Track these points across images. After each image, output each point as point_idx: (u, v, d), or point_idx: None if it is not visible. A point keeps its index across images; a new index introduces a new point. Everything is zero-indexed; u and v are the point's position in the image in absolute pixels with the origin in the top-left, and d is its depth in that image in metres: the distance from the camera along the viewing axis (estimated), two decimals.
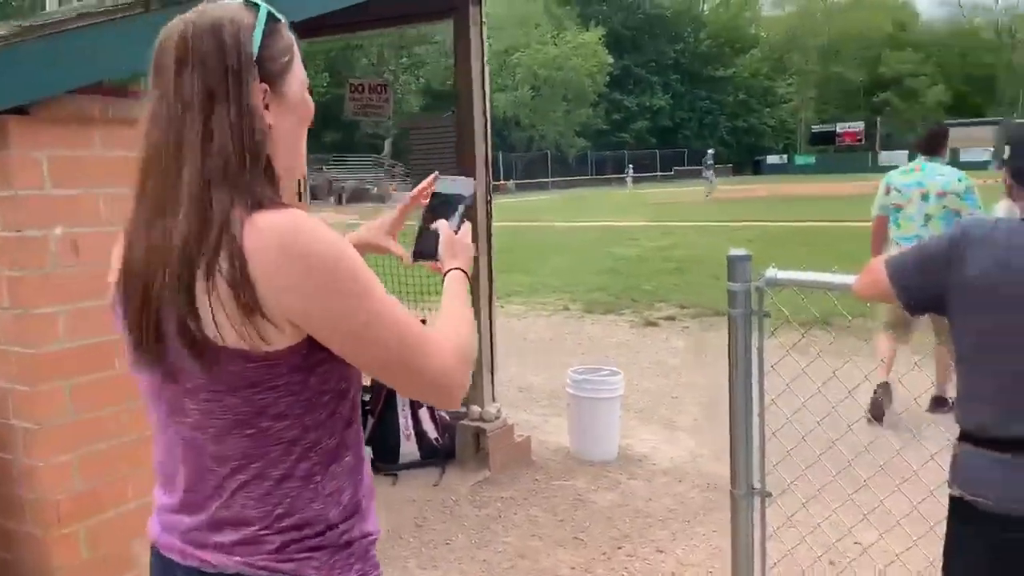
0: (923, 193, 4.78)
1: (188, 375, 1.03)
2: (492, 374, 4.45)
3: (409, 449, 4.42)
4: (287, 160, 1.12)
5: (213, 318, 0.98)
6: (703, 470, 4.29)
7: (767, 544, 2.37)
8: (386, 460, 4.35)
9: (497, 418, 4.37)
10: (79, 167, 2.43)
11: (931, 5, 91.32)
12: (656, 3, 75.90)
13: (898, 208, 4.87)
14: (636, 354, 6.95)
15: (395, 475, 4.28)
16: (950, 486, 1.77)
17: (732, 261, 2.28)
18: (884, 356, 4.89)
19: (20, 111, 2.27)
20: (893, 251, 4.95)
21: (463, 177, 1.39)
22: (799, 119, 80.00)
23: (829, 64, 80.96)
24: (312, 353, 1.03)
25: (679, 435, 4.91)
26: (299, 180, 1.99)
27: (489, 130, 4.34)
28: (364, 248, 1.41)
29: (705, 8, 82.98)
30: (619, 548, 3.49)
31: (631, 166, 53.16)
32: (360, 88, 5.23)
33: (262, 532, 1.06)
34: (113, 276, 1.11)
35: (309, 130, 1.19)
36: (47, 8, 4.31)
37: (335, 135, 39.27)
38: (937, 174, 4.81)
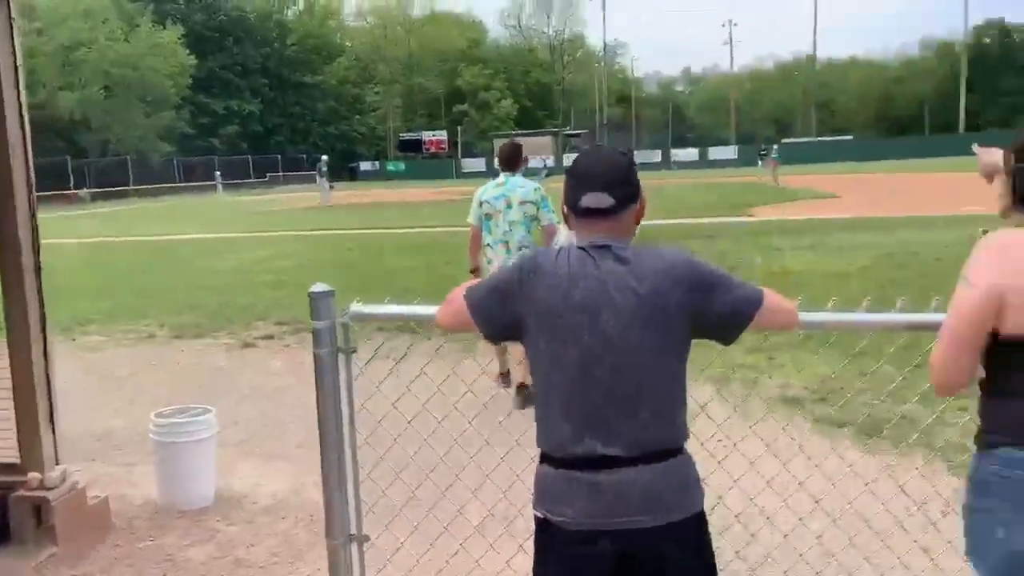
0: (507, 203, 5.52)
1: None
2: (54, 431, 3.75)
3: None
4: None
5: None
6: (307, 501, 4.09)
7: None
8: None
9: (63, 482, 3.71)
10: None
11: (497, 24, 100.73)
12: (237, 5, 73.33)
13: (489, 217, 5.58)
14: (233, 380, 6.50)
15: None
16: (534, 507, 1.79)
17: (315, 298, 2.11)
18: (518, 357, 5.36)
19: None
20: (488, 253, 5.66)
21: None
22: (388, 127, 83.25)
23: (412, 75, 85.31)
24: None
25: (281, 465, 4.65)
26: None
27: (28, 135, 3.65)
28: None
29: (289, 14, 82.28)
30: None
31: (219, 172, 50.71)
32: None
33: None
34: None
35: None
36: None
37: None
38: (518, 186, 5.57)
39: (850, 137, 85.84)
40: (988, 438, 1.72)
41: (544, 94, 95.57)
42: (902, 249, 10.97)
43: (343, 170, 76.87)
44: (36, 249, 3.66)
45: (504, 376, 5.89)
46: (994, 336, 1.67)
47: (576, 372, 1.72)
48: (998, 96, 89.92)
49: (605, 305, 1.70)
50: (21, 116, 3.61)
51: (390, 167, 75.18)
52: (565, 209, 1.88)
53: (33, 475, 3.65)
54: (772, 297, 1.83)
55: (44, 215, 4.01)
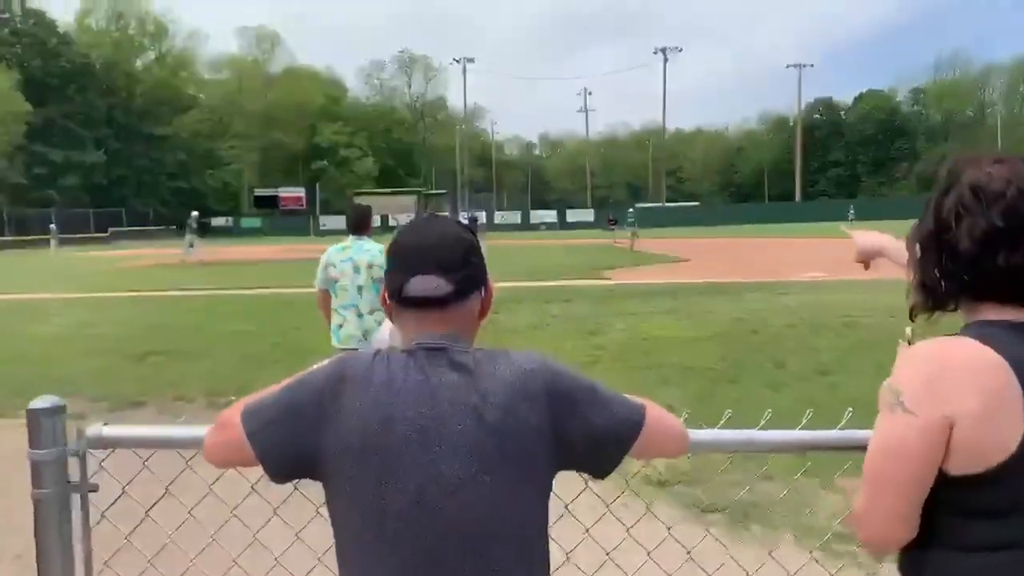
0: (354, 267, 5.39)
1: None
2: None
3: None
4: None
5: None
6: None
7: None
8: None
9: None
10: None
11: (358, 82, 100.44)
12: (81, 52, 69.68)
13: (335, 280, 5.42)
14: (11, 479, 5.54)
15: None
16: None
17: (36, 417, 1.52)
18: None
19: None
20: (336, 318, 5.41)
21: None
22: (243, 182, 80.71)
23: (269, 130, 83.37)
24: None
25: None
26: None
27: None
28: None
29: (139, 63, 78.97)
30: None
31: (53, 226, 47.28)
32: None
33: None
34: None
35: None
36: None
37: None
38: (364, 250, 5.43)
39: (697, 204, 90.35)
40: None
41: (406, 153, 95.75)
42: (753, 315, 11.13)
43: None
44: None
45: None
46: (940, 475, 1.30)
47: (397, 531, 1.24)
48: (828, 167, 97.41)
49: (437, 434, 1.25)
50: None
51: (245, 223, 72.68)
52: (387, 298, 1.42)
53: None
54: (656, 416, 1.41)
55: None
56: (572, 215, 72.08)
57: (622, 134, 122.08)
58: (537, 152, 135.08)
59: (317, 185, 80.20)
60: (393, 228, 66.70)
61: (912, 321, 1.50)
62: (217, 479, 1.59)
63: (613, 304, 12.98)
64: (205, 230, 72.81)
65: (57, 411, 1.53)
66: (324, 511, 1.33)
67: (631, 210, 38.97)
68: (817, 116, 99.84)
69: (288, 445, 1.30)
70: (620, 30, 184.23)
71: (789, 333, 9.53)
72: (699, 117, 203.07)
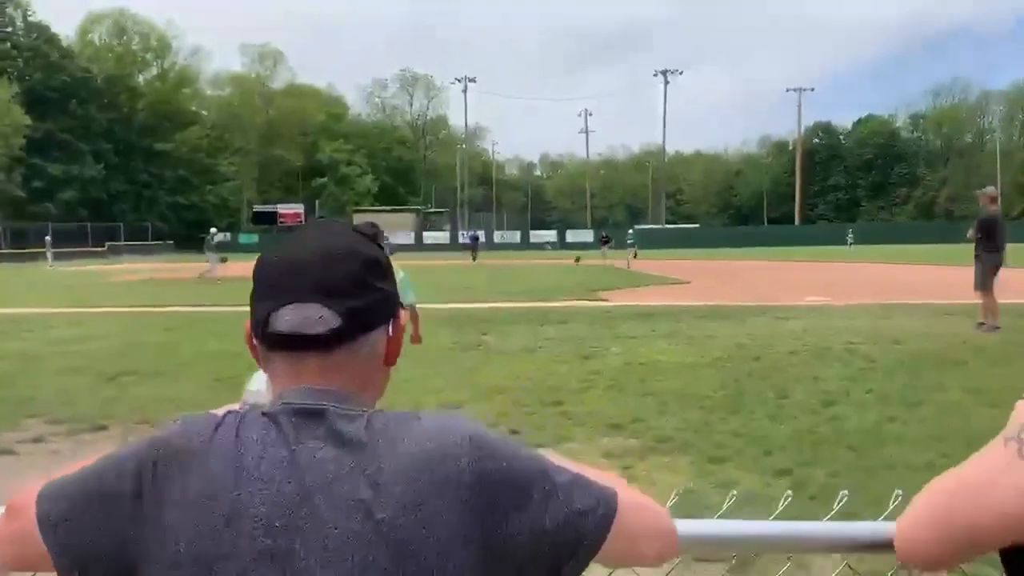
0: None
1: None
2: None
3: None
4: None
5: None
6: None
7: None
8: None
9: None
10: None
11: (359, 100, 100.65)
12: (83, 66, 69.64)
13: None
14: None
15: None
16: None
17: None
18: None
19: None
20: None
21: None
22: (242, 198, 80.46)
23: (270, 147, 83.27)
24: None
25: None
26: None
27: None
28: None
29: (141, 78, 78.96)
30: None
31: (49, 239, 46.92)
32: None
33: None
34: None
35: None
36: None
37: None
38: None
39: (696, 225, 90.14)
40: None
41: (406, 172, 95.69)
42: (755, 340, 10.73)
43: (191, 241, 73.30)
44: None
45: None
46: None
47: None
48: (828, 191, 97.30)
49: (304, 541, 0.84)
50: None
51: (242, 239, 72.26)
52: (258, 347, 1.02)
53: None
54: (632, 504, 0.97)
55: None
56: (572, 235, 71.86)
57: (622, 156, 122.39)
58: (537, 172, 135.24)
59: (316, 202, 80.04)
60: (393, 246, 66.41)
61: None
62: None
63: (610, 326, 12.59)
64: (203, 246, 72.69)
65: None
66: None
67: (630, 231, 38.79)
68: (816, 140, 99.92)
69: (89, 544, 0.89)
70: (621, 52, 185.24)
71: (791, 360, 9.12)
72: (699, 140, 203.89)
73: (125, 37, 77.01)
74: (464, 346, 10.63)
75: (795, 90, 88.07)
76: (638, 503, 0.99)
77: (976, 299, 11.65)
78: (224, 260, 29.50)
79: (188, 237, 73.62)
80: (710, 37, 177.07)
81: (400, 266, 5.72)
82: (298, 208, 77.59)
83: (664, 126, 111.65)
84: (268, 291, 0.96)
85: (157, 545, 0.85)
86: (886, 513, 1.20)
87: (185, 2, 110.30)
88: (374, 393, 1.02)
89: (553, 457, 0.99)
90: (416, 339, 6.44)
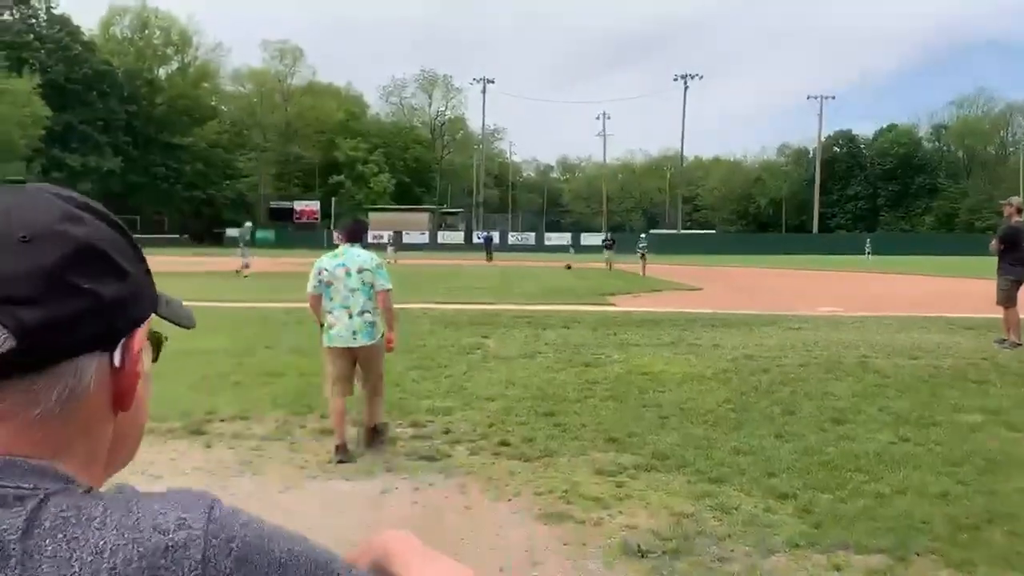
0: (346, 271, 5.89)
1: None
2: None
3: None
4: None
5: None
6: None
7: None
8: None
9: None
10: None
11: (378, 99, 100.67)
12: (104, 59, 69.93)
13: (329, 285, 5.91)
14: None
15: None
16: None
17: None
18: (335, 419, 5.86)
19: None
20: (329, 318, 5.86)
21: None
22: (259, 194, 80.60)
23: (288, 143, 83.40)
24: None
25: None
26: None
27: None
28: None
29: (161, 72, 79.26)
30: None
31: None
32: None
33: None
34: None
35: None
36: None
37: None
38: (356, 255, 5.97)
39: (713, 232, 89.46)
40: None
41: (423, 171, 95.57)
42: (764, 352, 10.32)
43: (207, 235, 73.50)
44: None
45: (341, 450, 5.73)
46: None
47: None
48: (847, 200, 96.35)
49: None
50: None
51: (258, 234, 72.40)
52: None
53: None
54: None
55: None
56: (587, 238, 71.42)
57: (640, 160, 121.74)
58: (554, 175, 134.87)
59: (333, 199, 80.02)
60: (407, 245, 67.12)
61: None
62: None
63: (614, 333, 12.22)
64: (219, 240, 72.79)
65: None
66: None
67: (643, 235, 38.16)
68: (837, 148, 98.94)
69: None
70: (641, 56, 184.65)
71: (801, 373, 8.71)
72: (718, 145, 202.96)
73: (147, 31, 77.36)
74: (462, 349, 10.30)
75: (816, 97, 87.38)
76: None
77: (998, 313, 11.19)
78: (244, 256, 27.54)
79: (204, 231, 73.89)
80: (732, 42, 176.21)
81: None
82: (314, 205, 77.70)
83: (683, 131, 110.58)
84: None
85: None
86: None
87: None
88: (90, 461, 0.66)
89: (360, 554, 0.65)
90: (390, 345, 6.02)
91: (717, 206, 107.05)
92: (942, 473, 5.32)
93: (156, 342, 0.74)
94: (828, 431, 6.35)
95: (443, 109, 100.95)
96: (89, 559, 0.56)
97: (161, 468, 5.39)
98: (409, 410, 6.92)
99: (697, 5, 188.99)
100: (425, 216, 78.96)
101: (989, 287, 11.60)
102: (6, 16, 65.20)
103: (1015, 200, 11.32)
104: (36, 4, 67.02)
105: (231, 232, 74.19)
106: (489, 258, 47.71)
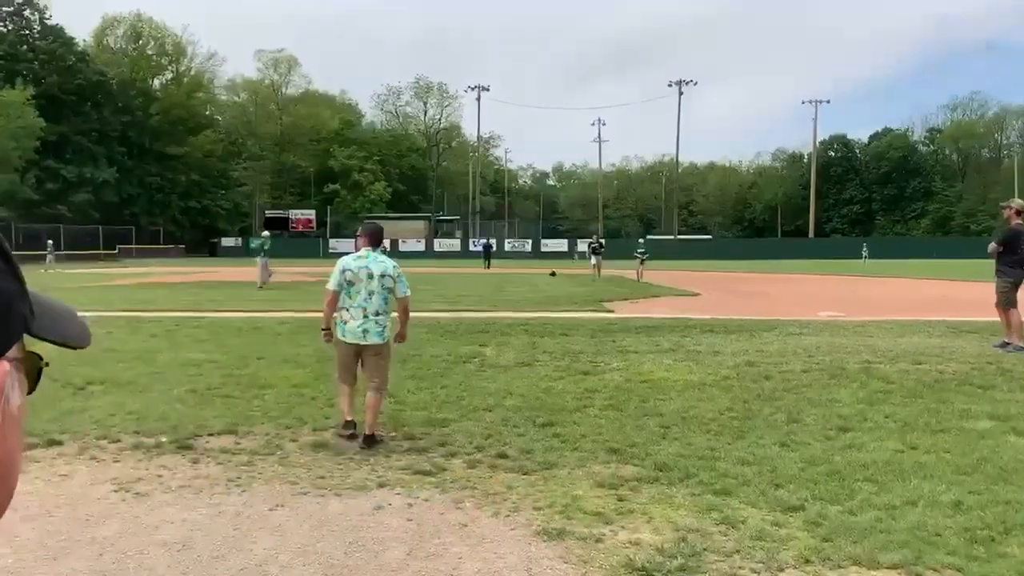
0: (369, 274, 6.28)
1: None
2: None
3: None
4: None
5: None
6: None
7: None
8: None
9: None
10: None
11: (373, 108, 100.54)
12: (98, 70, 69.73)
13: (351, 284, 6.30)
14: None
15: None
16: None
17: None
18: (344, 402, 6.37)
19: None
20: (343, 315, 6.28)
21: None
22: (254, 203, 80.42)
23: (283, 152, 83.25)
24: None
25: None
26: None
27: None
28: None
29: (155, 83, 79.08)
30: None
31: (51, 241, 46.80)
32: None
33: None
34: None
35: None
36: None
37: None
38: (379, 261, 6.37)
39: (709, 237, 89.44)
40: None
41: (418, 179, 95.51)
42: (765, 357, 10.16)
43: (203, 245, 73.32)
44: None
45: (349, 425, 6.25)
46: None
47: None
48: (843, 204, 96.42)
49: None
50: None
51: (253, 244, 72.20)
52: None
53: None
54: None
55: None
56: (583, 245, 71.36)
57: (636, 166, 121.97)
58: (551, 182, 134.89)
59: (328, 208, 79.91)
60: (404, 252, 66.98)
61: None
62: None
63: (612, 339, 12.06)
64: (214, 251, 72.62)
65: None
66: None
67: (642, 240, 38.02)
68: (832, 153, 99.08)
69: None
70: (636, 62, 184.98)
71: (804, 380, 8.55)
72: (713, 151, 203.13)
73: (140, 41, 77.24)
74: (459, 358, 10.14)
75: (811, 102, 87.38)
76: None
77: (998, 316, 11.05)
78: (269, 268, 25.66)
79: (201, 241, 73.66)
80: (726, 48, 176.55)
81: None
82: (310, 214, 77.58)
83: (678, 136, 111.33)
84: None
85: None
86: None
87: (201, 7, 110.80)
88: None
89: None
90: (402, 337, 6.65)
91: (713, 211, 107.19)
92: (953, 482, 5.16)
93: (33, 370, 0.58)
94: (834, 439, 6.19)
95: (438, 117, 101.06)
96: None
97: (148, 485, 5.21)
98: (404, 421, 6.75)
99: (692, 11, 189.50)
100: (421, 224, 78.89)
101: (988, 290, 11.47)
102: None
103: (1015, 203, 11.19)
104: (30, 15, 66.87)
105: (227, 242, 74.14)
106: (487, 265, 47.66)
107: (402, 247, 69.37)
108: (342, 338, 6.29)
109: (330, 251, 67.44)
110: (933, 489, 5.02)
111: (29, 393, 0.62)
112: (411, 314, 6.76)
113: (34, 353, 0.62)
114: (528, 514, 4.74)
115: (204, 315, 15.49)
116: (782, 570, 3.95)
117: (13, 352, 0.55)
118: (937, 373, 8.94)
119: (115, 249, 60.32)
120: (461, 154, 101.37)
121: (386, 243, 6.88)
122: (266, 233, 29.32)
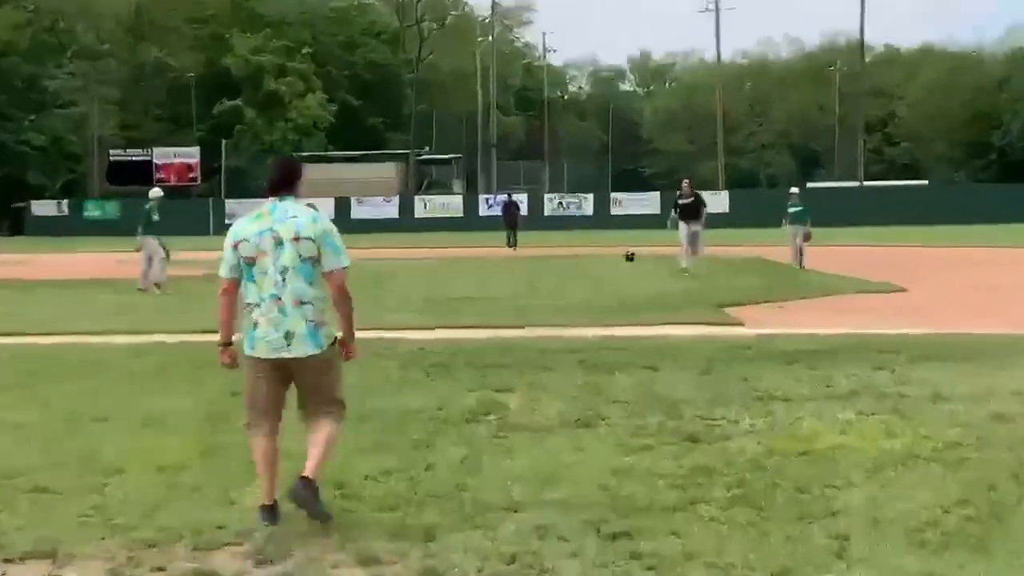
0: (276, 240, 6.58)
1: None
2: None
3: None
4: None
5: None
6: None
7: None
8: None
9: None
10: None
11: None
12: None
13: (252, 263, 6.62)
14: None
15: None
16: None
17: None
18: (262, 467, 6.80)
19: None
20: (254, 314, 6.57)
21: None
22: (89, 139, 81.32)
23: (139, 45, 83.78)
24: None
25: None
26: None
27: None
28: None
29: None
30: None
31: None
32: None
33: None
34: None
35: None
36: None
37: None
38: (289, 215, 6.68)
39: (924, 183, 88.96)
40: None
41: (385, 87, 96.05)
42: None
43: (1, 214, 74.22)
44: None
45: (267, 513, 6.68)
46: None
47: None
48: None
49: None
50: None
51: (90, 211, 73.00)
52: None
53: None
54: None
55: None
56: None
57: (784, 56, 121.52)
58: (626, 87, 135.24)
59: (224, 143, 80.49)
60: (362, 221, 66.67)
61: None
62: None
63: (743, 377, 12.06)
64: (19, 225, 73.31)
65: None
66: None
67: (793, 191, 37.28)
68: None
69: None
70: None
71: None
72: (926, 27, 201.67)
73: None
74: (459, 414, 10.18)
75: None
76: None
77: None
78: (165, 248, 26.58)
79: None
80: None
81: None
82: (190, 156, 78.18)
83: (863, 3, 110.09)
84: None
85: None
86: None
87: None
88: None
89: None
90: (349, 353, 6.98)
91: (928, 135, 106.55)
92: None
93: None
94: None
95: None
96: None
97: None
98: (355, 534, 6.71)
99: None
100: (391, 169, 79.30)
101: None
102: None
103: None
104: None
105: (42, 208, 74.95)
106: (512, 242, 47.88)
107: (357, 211, 69.88)
108: (252, 353, 6.60)
109: (228, 221, 67.98)
110: None
111: None
112: (370, 332, 6.78)
113: None
114: None
115: (6, 341, 15.67)
116: None
117: None
118: None
119: None
120: (463, 38, 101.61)
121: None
122: (154, 193, 28.48)
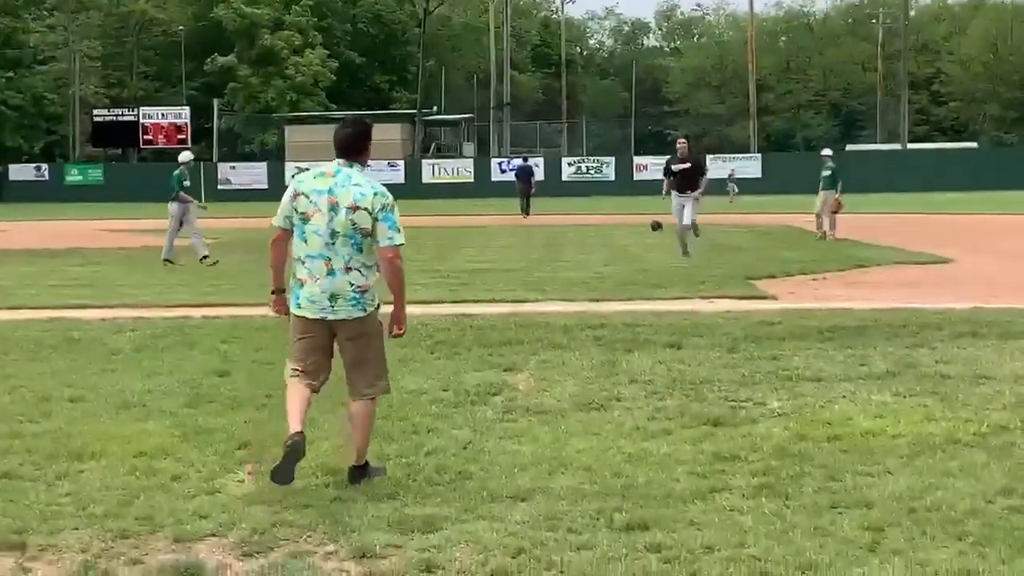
0: (332, 203, 7.05)
1: None
2: None
3: None
4: None
5: None
6: None
7: None
8: None
9: None
10: None
11: None
12: None
13: (305, 219, 7.13)
14: None
15: None
16: None
17: None
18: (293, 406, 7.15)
19: None
20: (299, 271, 7.13)
21: None
22: (70, 98, 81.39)
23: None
24: None
25: None
26: None
27: None
28: None
29: None
30: None
31: None
32: None
33: None
34: None
35: None
36: None
37: None
38: (351, 183, 7.16)
39: (974, 145, 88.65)
40: None
41: (390, 42, 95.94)
42: None
43: None
44: None
45: (294, 439, 6.96)
46: None
47: None
48: None
49: None
50: None
51: (72, 175, 73.09)
52: None
53: None
54: None
55: None
56: (724, 171, 70.08)
57: (821, 7, 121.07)
58: (652, 42, 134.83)
59: (216, 101, 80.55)
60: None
61: None
62: None
63: (772, 355, 12.09)
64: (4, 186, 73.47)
65: None
66: None
67: (825, 153, 36.90)
68: None
69: None
70: None
71: None
72: None
73: None
74: (463, 395, 10.22)
75: None
76: None
77: None
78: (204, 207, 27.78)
79: None
80: None
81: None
82: (180, 117, 78.19)
83: None
84: None
85: None
86: None
87: None
88: None
89: None
90: (398, 330, 7.34)
91: (979, 94, 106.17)
92: None
93: None
94: None
95: None
96: None
97: None
98: (349, 524, 6.72)
99: None
100: (395, 130, 79.26)
101: None
102: None
103: None
104: None
105: (20, 172, 75.09)
106: (525, 209, 47.91)
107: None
108: (297, 312, 7.12)
109: (222, 187, 68.00)
110: None
111: None
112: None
113: None
114: None
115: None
116: None
117: None
118: None
119: None
120: None
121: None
122: (184, 156, 28.04)
